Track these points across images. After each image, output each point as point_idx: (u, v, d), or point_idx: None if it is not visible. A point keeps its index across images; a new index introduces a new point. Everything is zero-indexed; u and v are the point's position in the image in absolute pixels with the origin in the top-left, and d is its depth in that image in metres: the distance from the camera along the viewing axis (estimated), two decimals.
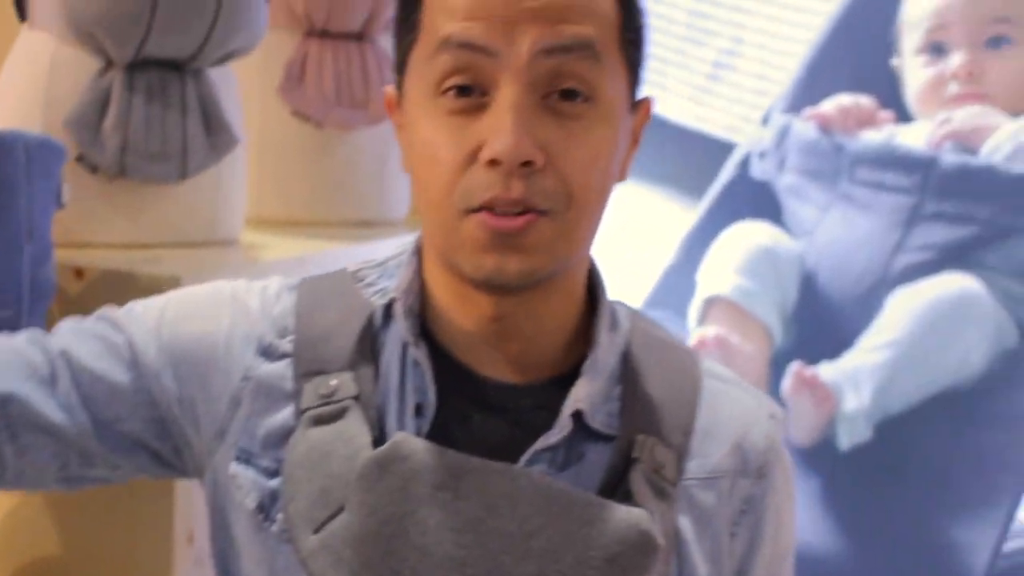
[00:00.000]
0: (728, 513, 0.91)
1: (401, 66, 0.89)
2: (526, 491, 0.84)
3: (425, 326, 0.89)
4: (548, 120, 0.84)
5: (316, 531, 0.85)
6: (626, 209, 2.16)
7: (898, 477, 2.01)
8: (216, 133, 1.52)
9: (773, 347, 2.07)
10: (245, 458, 0.89)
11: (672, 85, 2.08)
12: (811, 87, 2.00)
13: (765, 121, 2.04)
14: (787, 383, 2.05)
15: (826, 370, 2.03)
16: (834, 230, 2.02)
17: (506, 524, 0.83)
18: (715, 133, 2.07)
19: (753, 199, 2.06)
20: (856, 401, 2.00)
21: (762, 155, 2.04)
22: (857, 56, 1.97)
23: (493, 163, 0.82)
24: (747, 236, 2.08)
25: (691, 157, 2.08)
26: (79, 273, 1.39)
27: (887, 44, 1.95)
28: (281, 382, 0.89)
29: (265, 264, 1.57)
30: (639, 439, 0.89)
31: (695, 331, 2.10)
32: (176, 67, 1.49)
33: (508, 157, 0.82)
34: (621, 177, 0.89)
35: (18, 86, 1.52)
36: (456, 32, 0.84)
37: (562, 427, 0.86)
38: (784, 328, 2.07)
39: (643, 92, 0.92)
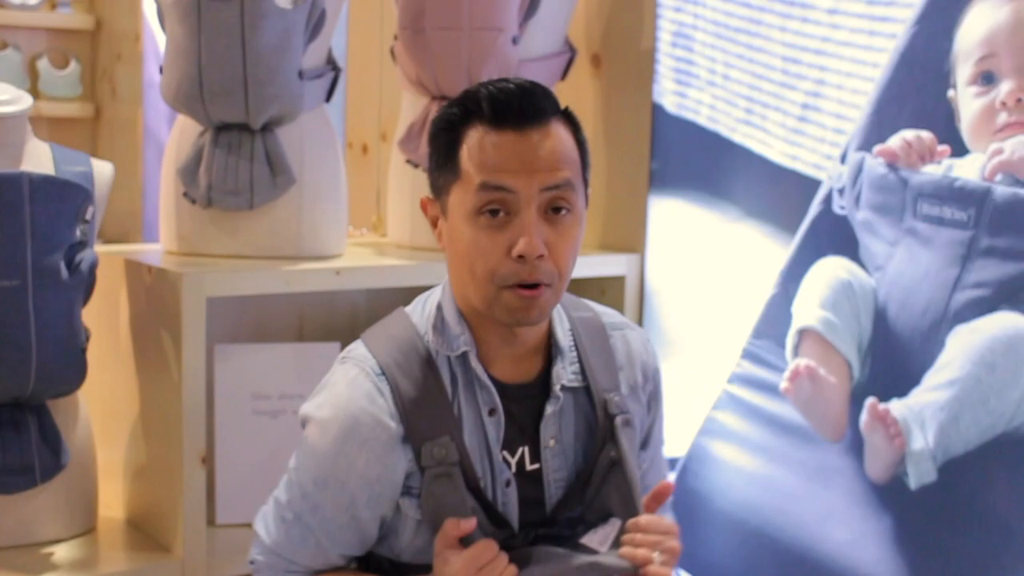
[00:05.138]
0: (645, 402, 1.62)
1: (441, 190, 1.48)
2: (548, 554, 1.48)
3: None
4: (547, 227, 1.44)
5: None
6: (735, 245, 2.26)
7: (961, 524, 1.92)
8: (279, 175, 2.03)
9: (853, 381, 2.06)
10: (405, 492, 1.51)
11: (771, 127, 2.16)
12: (880, 124, 1.98)
13: (843, 158, 2.06)
14: (863, 418, 2.05)
15: (896, 406, 2.00)
16: (901, 265, 1.99)
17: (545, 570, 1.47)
18: (805, 171, 2.12)
19: (836, 234, 2.07)
20: (922, 440, 1.95)
21: (841, 191, 2.06)
22: (919, 91, 1.94)
23: (520, 258, 1.42)
24: (830, 270, 2.10)
25: (788, 194, 2.14)
26: (149, 270, 1.98)
27: (946, 77, 1.92)
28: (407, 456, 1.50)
29: (292, 273, 2.02)
30: (609, 399, 1.56)
31: (791, 361, 2.16)
32: (248, 129, 2.02)
33: (530, 254, 1.42)
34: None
35: (169, 146, 2.16)
36: (490, 180, 1.42)
37: (556, 398, 1.54)
38: (861, 362, 2.06)
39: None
